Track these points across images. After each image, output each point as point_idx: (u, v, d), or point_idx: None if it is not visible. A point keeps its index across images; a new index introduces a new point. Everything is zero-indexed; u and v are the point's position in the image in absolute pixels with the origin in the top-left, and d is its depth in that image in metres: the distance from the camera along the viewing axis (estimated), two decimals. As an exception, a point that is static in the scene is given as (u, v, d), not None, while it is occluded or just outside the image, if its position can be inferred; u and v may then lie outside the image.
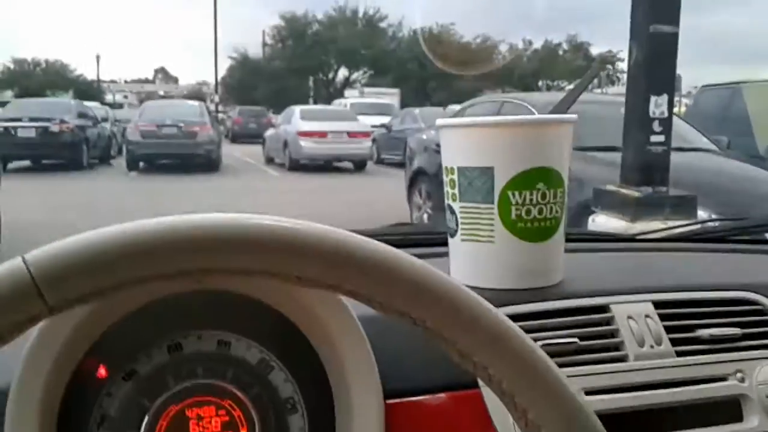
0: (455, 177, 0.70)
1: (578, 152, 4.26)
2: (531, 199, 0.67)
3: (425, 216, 5.76)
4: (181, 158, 12.52)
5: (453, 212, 0.71)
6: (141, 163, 12.67)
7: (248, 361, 0.57)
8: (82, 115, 12.99)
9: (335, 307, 0.55)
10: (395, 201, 6.66)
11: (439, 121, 0.72)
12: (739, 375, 0.66)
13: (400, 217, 5.75)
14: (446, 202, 0.72)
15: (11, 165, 11.15)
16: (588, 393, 0.62)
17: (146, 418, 0.54)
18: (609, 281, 0.73)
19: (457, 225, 0.71)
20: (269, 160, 14.64)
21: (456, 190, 0.70)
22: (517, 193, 0.67)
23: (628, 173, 3.27)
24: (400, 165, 8.28)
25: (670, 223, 3.07)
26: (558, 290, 0.69)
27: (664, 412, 0.63)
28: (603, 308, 0.67)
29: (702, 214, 3.47)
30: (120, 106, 36.06)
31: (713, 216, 3.62)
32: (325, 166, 13.04)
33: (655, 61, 3.18)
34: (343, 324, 0.56)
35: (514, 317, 0.65)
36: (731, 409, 0.65)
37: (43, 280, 0.32)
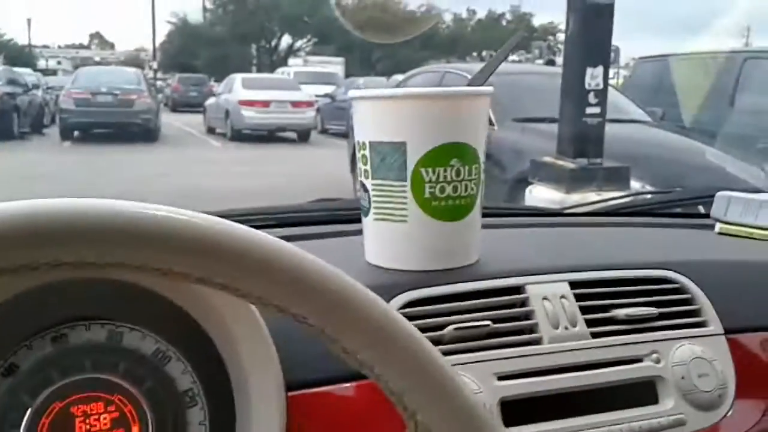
0: (367, 152, 0.66)
1: (518, 123, 4.31)
2: (445, 176, 0.64)
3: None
4: (118, 127, 12.11)
5: (366, 190, 0.68)
6: (75, 133, 12.21)
7: (142, 353, 0.53)
8: (11, 81, 12.38)
9: (230, 297, 0.52)
10: (339, 172, 6.60)
11: (351, 92, 0.68)
12: (654, 356, 0.65)
13: (343, 188, 5.71)
14: (359, 179, 0.69)
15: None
16: (501, 378, 0.60)
17: (26, 416, 0.49)
18: (526, 260, 0.71)
19: (369, 203, 0.67)
20: (210, 130, 14.32)
21: (368, 167, 0.67)
22: (430, 170, 0.64)
23: (564, 145, 3.31)
24: (345, 135, 8.20)
25: (604, 195, 3.13)
26: (473, 271, 0.67)
27: (578, 395, 0.62)
28: (517, 289, 0.65)
29: (636, 185, 3.54)
30: (54, 72, 34.72)
31: (647, 187, 3.71)
32: (268, 136, 12.83)
33: (590, 32, 3.20)
34: (239, 313, 0.52)
35: (426, 300, 0.63)
36: (647, 390, 0.64)
37: None
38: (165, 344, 0.54)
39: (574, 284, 0.67)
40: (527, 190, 3.36)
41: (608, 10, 3.22)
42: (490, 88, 0.67)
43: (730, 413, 0.64)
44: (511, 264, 0.69)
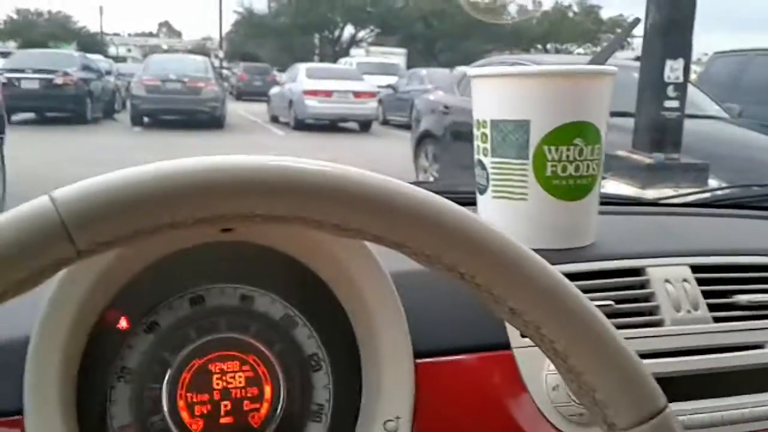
0: (488, 131, 0.67)
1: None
2: (567, 156, 0.64)
3: (431, 179, 5.72)
4: (185, 114, 12.40)
5: (484, 167, 0.68)
6: (145, 118, 12.56)
7: (272, 317, 0.55)
8: (85, 67, 12.83)
9: (365, 261, 0.53)
10: (400, 163, 6.61)
11: (471, 71, 0.68)
12: None
13: (405, 179, 5.71)
14: (476, 156, 0.69)
15: (15, 117, 11.03)
16: None
17: (169, 372, 0.52)
18: (643, 244, 0.70)
19: (487, 181, 0.68)
20: (274, 119, 14.53)
21: (488, 144, 0.67)
22: (553, 149, 0.64)
23: (641, 138, 3.23)
24: (406, 126, 8.20)
25: (681, 191, 3.05)
26: (592, 251, 0.67)
27: (699, 377, 0.61)
28: (638, 271, 0.65)
29: (713, 182, 3.44)
30: (123, 59, 35.79)
31: (723, 184, 3.60)
32: (330, 126, 12.93)
33: (672, 24, 3.12)
34: (373, 279, 0.53)
35: None
36: (766, 377, 0.63)
37: (73, 220, 0.30)
38: (293, 310, 0.55)
39: (695, 268, 0.66)
40: (599, 184, 3.30)
41: (690, 2, 3.13)
42: (615, 68, 0.66)
43: None
44: (629, 247, 0.69)
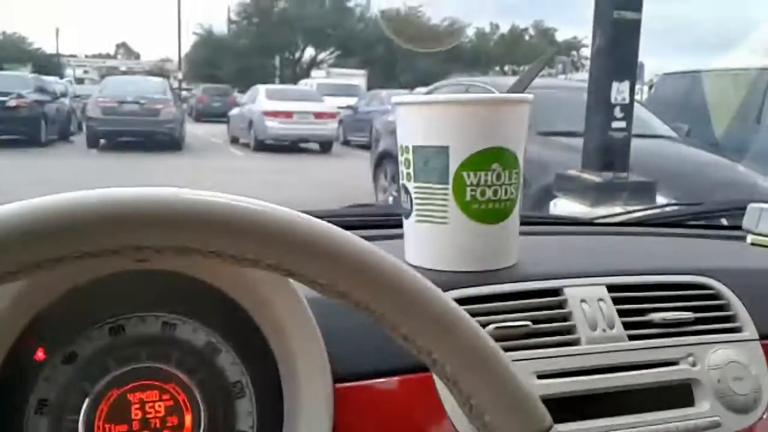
0: (410, 156, 0.68)
1: (542, 137, 4.29)
2: (486, 180, 0.66)
3: (390, 198, 5.75)
4: (143, 136, 12.28)
5: (408, 192, 0.70)
6: (102, 141, 12.39)
7: (194, 344, 0.55)
8: (40, 89, 12.63)
9: (282, 289, 0.54)
10: (361, 183, 6.63)
11: (395, 98, 0.70)
12: (690, 359, 0.66)
13: (365, 199, 5.74)
14: (401, 181, 0.71)
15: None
16: (540, 377, 0.61)
17: (86, 402, 0.52)
18: (563, 264, 0.72)
19: (411, 206, 0.69)
20: (234, 140, 14.46)
21: (411, 170, 0.69)
22: (472, 174, 0.66)
23: (589, 158, 3.31)
24: (367, 147, 8.24)
25: (630, 209, 3.11)
26: (512, 273, 0.69)
27: (615, 395, 0.63)
28: (556, 291, 0.67)
29: (662, 200, 3.53)
30: (81, 81, 35.22)
31: (671, 202, 3.69)
32: (290, 146, 12.93)
33: (617, 47, 3.21)
34: (290, 305, 0.54)
35: (467, 299, 0.64)
36: (683, 393, 0.65)
37: None
38: (216, 336, 0.56)
39: (611, 288, 0.68)
40: (551, 203, 3.36)
41: (635, 25, 3.23)
42: (531, 96, 0.69)
43: (765, 416, 0.65)
44: (549, 267, 0.71)
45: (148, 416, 0.52)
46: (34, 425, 0.51)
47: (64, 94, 14.71)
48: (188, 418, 0.53)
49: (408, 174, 0.69)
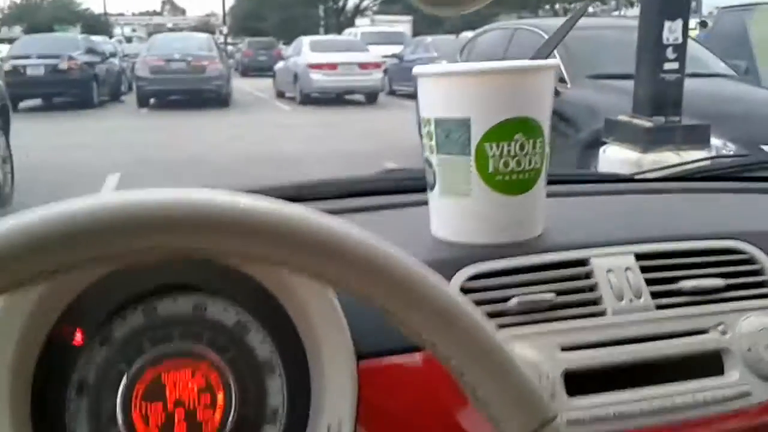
0: (432, 128, 0.68)
1: (591, 80, 4.14)
2: (509, 151, 0.65)
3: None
4: (191, 94, 12.39)
5: (431, 165, 0.69)
6: (151, 100, 12.59)
7: (224, 323, 0.57)
8: (90, 50, 12.83)
9: None
10: (407, 134, 6.58)
11: (416, 70, 0.69)
12: (721, 327, 0.64)
13: (411, 150, 5.71)
14: (424, 154, 0.70)
15: (22, 104, 11.08)
16: (565, 349, 0.61)
17: (123, 382, 0.54)
18: (591, 232, 0.71)
19: (435, 178, 0.69)
20: (280, 94, 14.48)
21: (433, 142, 0.68)
22: (494, 145, 0.65)
23: (640, 103, 3.20)
24: (413, 96, 8.15)
25: (683, 154, 3.01)
26: (537, 243, 0.68)
27: (643, 366, 0.62)
28: (582, 262, 0.66)
29: (717, 142, 3.41)
30: (129, 39, 35.66)
31: (728, 144, 3.56)
32: (336, 99, 12.88)
33: (668, -17, 3.06)
34: (312, 288, 0.55)
35: (492, 273, 0.64)
36: (712, 362, 0.64)
37: None
38: (245, 315, 0.57)
39: (639, 256, 0.67)
40: (601, 150, 3.28)
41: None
42: (554, 61, 0.67)
43: None
44: (577, 236, 0.69)
45: (182, 395, 0.54)
46: (76, 406, 0.54)
47: (113, 54, 14.92)
48: (220, 396, 0.55)
49: (430, 146, 0.68)
